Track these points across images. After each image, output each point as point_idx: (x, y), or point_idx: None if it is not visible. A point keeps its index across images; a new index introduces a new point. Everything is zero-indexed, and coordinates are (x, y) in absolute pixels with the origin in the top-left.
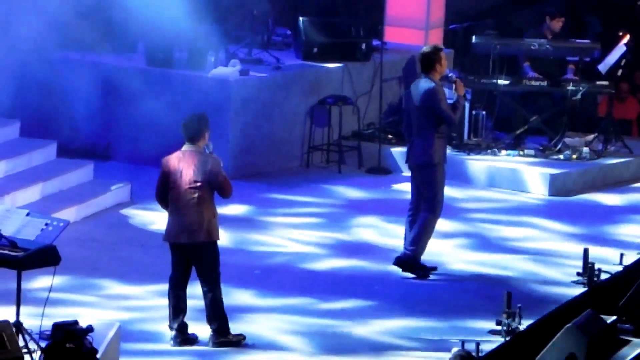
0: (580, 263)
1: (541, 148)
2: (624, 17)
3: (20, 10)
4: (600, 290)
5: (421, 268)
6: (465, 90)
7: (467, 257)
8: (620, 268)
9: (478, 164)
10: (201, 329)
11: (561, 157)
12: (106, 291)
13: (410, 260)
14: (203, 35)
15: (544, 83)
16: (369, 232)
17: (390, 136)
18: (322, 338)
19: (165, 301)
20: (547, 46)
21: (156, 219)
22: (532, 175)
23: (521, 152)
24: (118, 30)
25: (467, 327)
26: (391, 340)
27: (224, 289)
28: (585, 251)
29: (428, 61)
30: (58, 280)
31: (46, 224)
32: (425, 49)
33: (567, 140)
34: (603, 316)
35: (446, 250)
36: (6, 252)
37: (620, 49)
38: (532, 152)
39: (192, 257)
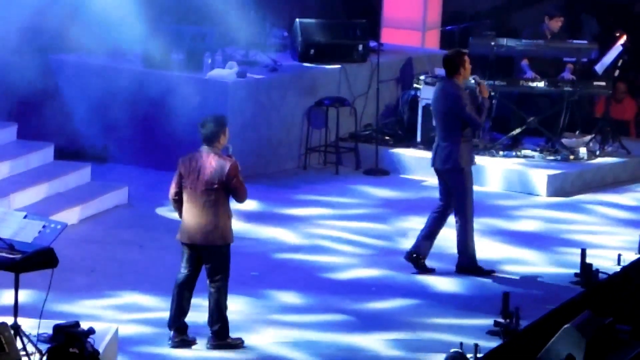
0: (578, 264)
1: (538, 149)
2: (621, 17)
3: (13, 10)
4: (598, 291)
5: (479, 270)
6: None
7: None
8: (618, 269)
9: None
10: (200, 331)
11: (558, 157)
12: (104, 293)
13: (468, 265)
14: (200, 37)
15: (541, 84)
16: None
17: (387, 137)
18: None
19: (163, 303)
20: (544, 46)
21: (154, 221)
22: (529, 176)
23: (519, 153)
24: (115, 32)
25: (465, 328)
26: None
27: None
28: (583, 252)
29: (452, 65)
30: (55, 282)
31: (44, 227)
32: (450, 52)
33: (564, 140)
34: (601, 317)
35: (445, 251)
36: (4, 254)
37: (616, 49)
38: (529, 152)
39: (205, 258)
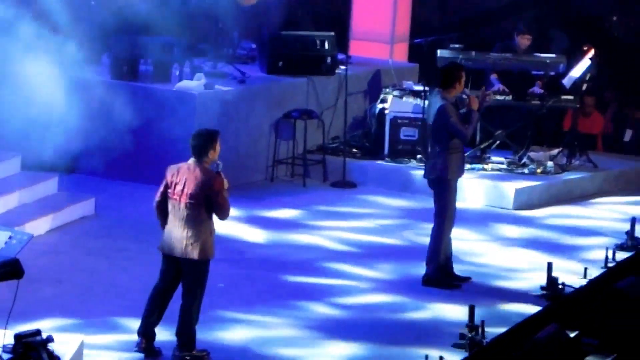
0: (544, 277)
1: (506, 162)
2: (590, 32)
3: None
4: (564, 305)
5: (451, 278)
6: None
7: None
8: (584, 282)
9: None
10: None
11: (526, 171)
12: (70, 304)
13: (435, 276)
14: (168, 48)
15: (509, 97)
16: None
17: (355, 150)
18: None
19: (130, 313)
20: (513, 60)
21: (121, 232)
22: (496, 189)
23: (486, 166)
24: (83, 42)
25: (431, 341)
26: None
27: None
28: (549, 265)
29: (449, 77)
30: (21, 293)
31: (10, 237)
32: (449, 65)
33: (531, 154)
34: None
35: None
36: None
37: (585, 63)
38: (496, 166)
39: (183, 271)
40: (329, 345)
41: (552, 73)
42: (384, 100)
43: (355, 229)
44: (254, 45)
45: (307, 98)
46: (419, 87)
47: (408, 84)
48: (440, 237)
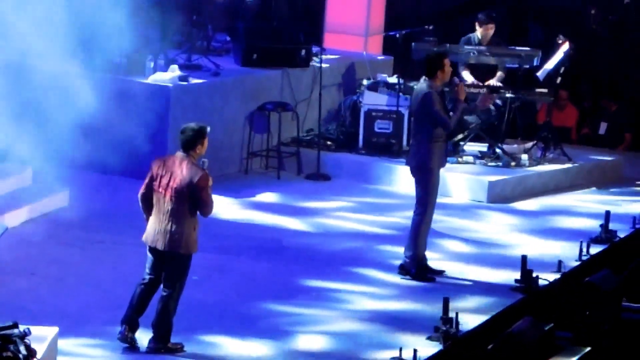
0: (518, 270)
1: (480, 155)
2: (566, 24)
3: None
4: (539, 298)
5: (426, 271)
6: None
7: None
8: (558, 275)
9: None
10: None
11: (500, 164)
12: (44, 296)
13: (411, 266)
14: (142, 40)
15: (483, 90)
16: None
17: (329, 142)
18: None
19: (104, 304)
20: (487, 53)
21: (95, 224)
22: (470, 182)
23: (460, 159)
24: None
25: (405, 334)
26: (333, 346)
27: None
28: (524, 258)
29: (430, 65)
30: None
31: None
32: (430, 53)
33: (505, 147)
34: (541, 323)
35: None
36: None
37: (559, 56)
38: (470, 159)
39: (165, 263)
40: (300, 337)
41: (527, 66)
42: (358, 93)
43: (329, 217)
44: (228, 38)
45: (282, 90)
46: (393, 80)
47: (382, 76)
48: (420, 226)
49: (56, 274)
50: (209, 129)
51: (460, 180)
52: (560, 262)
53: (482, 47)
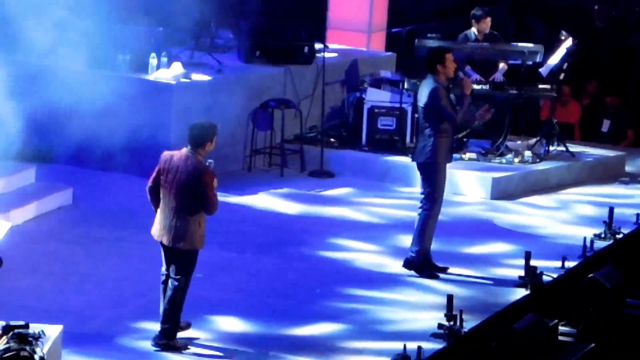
0: (522, 266)
1: (483, 152)
2: (569, 20)
3: None
4: (543, 294)
5: (430, 267)
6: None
7: None
8: (562, 272)
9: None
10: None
11: (503, 160)
12: (47, 294)
13: (417, 261)
14: (145, 37)
15: (486, 86)
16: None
17: (332, 139)
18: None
19: (107, 302)
20: (490, 49)
21: (98, 222)
22: (474, 178)
23: (463, 156)
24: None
25: (409, 330)
26: (333, 344)
27: None
28: (527, 254)
29: (430, 60)
30: None
31: None
32: (432, 49)
33: (509, 143)
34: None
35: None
36: None
37: (562, 52)
38: (474, 155)
39: (172, 257)
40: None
41: (530, 62)
42: (361, 90)
43: (333, 214)
44: (231, 35)
45: (285, 87)
46: (397, 77)
47: (385, 73)
48: (427, 221)
49: (60, 272)
50: (219, 127)
51: (463, 177)
52: (564, 258)
53: (485, 44)
